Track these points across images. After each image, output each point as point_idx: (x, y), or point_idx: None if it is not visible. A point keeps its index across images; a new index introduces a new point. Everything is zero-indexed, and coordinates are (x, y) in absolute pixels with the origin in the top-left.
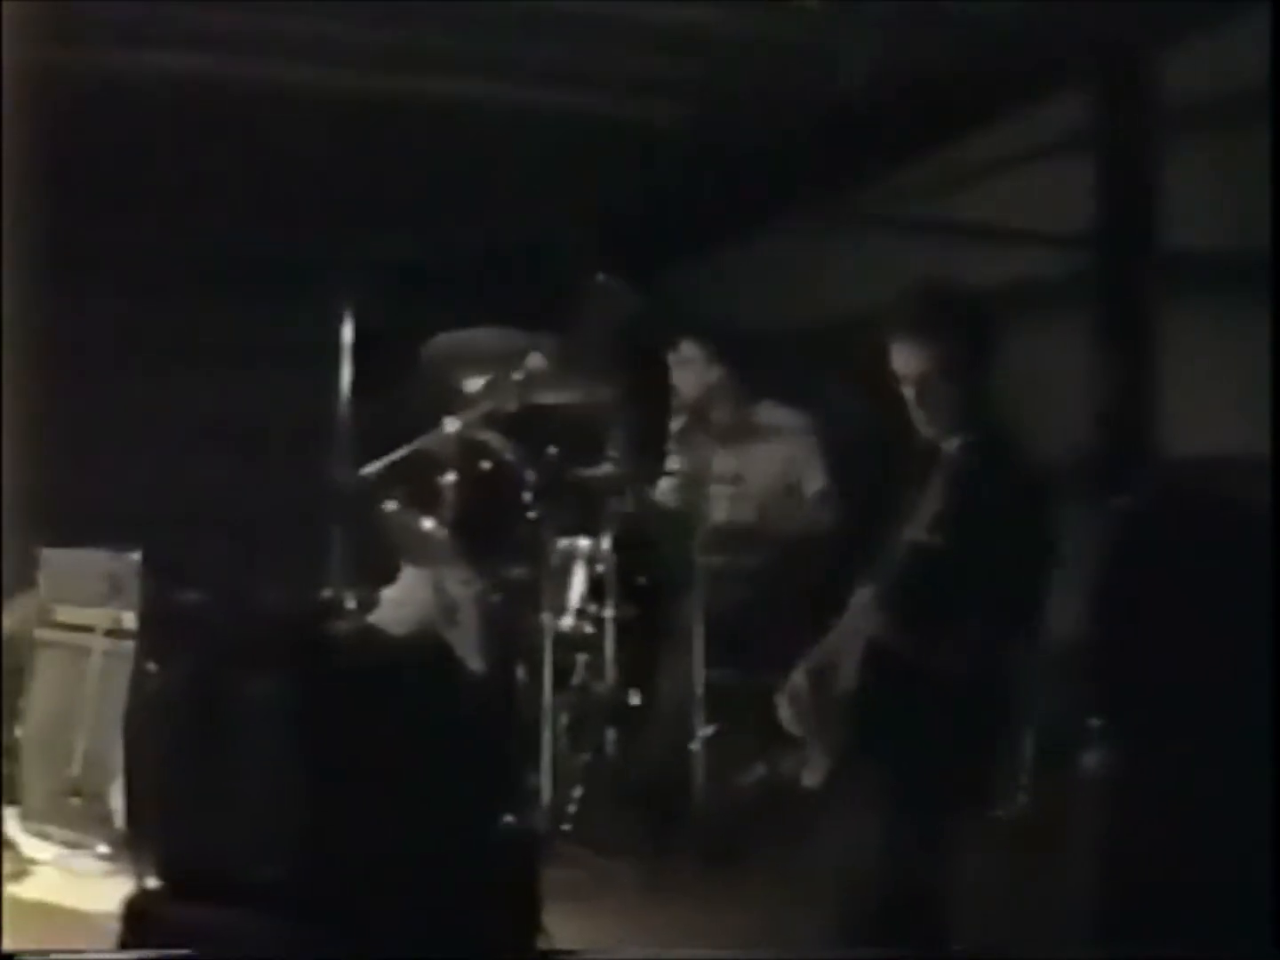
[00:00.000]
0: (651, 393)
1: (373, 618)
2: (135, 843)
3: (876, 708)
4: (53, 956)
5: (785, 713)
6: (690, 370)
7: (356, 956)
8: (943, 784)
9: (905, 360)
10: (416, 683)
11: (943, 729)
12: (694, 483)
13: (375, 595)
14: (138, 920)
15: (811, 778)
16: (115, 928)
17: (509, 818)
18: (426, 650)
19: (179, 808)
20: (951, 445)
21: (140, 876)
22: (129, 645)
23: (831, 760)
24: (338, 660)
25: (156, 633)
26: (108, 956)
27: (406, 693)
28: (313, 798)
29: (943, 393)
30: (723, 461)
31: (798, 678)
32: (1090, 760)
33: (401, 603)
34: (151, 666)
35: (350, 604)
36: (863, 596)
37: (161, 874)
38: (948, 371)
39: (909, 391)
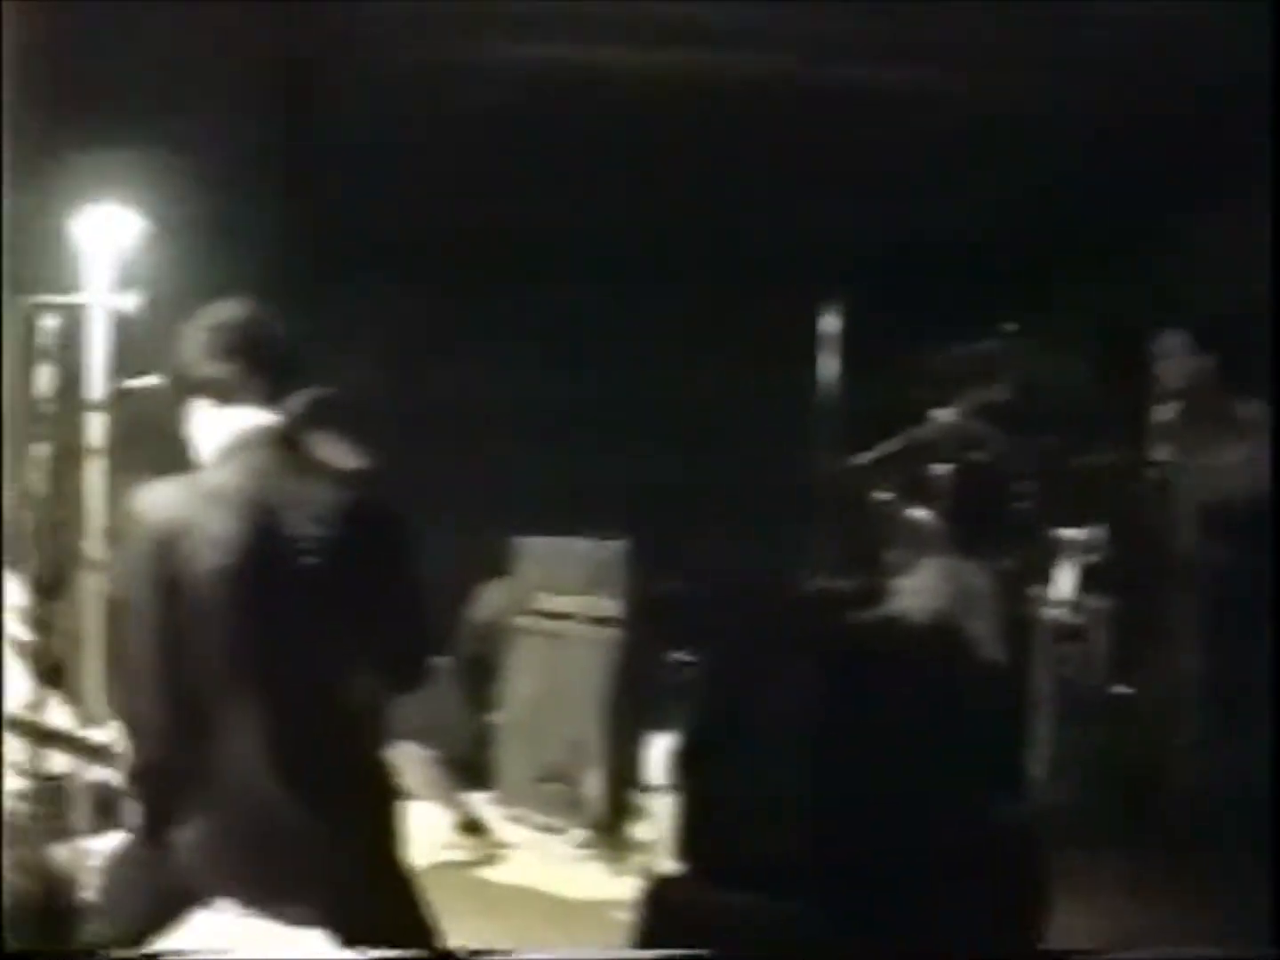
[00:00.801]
0: (1138, 381)
1: (889, 606)
2: (621, 828)
3: None
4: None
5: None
6: (1174, 360)
7: (861, 942)
8: None
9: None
10: (935, 671)
11: None
12: (1181, 472)
13: (882, 583)
14: (655, 905)
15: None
16: (612, 913)
17: (1008, 807)
18: (947, 639)
19: (702, 797)
20: None
21: (627, 862)
22: (610, 633)
23: None
24: (858, 647)
25: (652, 620)
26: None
27: (929, 681)
28: (827, 783)
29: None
30: (1210, 452)
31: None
32: None
33: (917, 592)
34: (649, 654)
35: (857, 592)
36: None
37: (681, 860)
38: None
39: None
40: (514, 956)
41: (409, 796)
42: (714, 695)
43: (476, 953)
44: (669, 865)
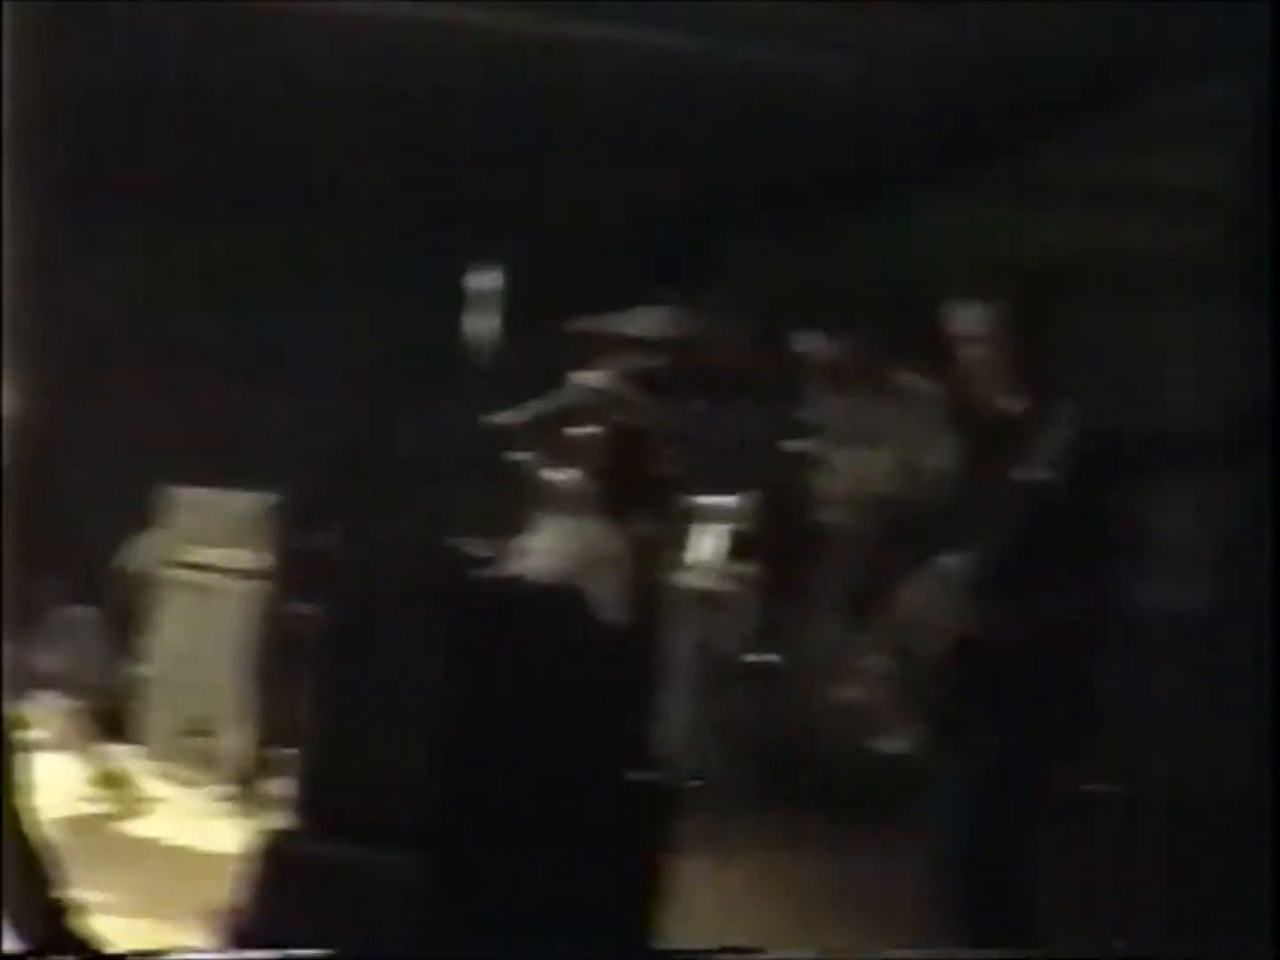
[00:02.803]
0: (790, 353)
1: (515, 566)
2: (261, 783)
3: (964, 657)
4: None
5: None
6: (817, 345)
7: (484, 900)
8: (1037, 754)
9: (972, 325)
10: (556, 633)
11: (1036, 694)
12: (829, 445)
13: (514, 544)
14: (270, 858)
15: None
16: (235, 866)
17: (641, 770)
18: (568, 600)
19: (314, 748)
20: (1040, 406)
21: (264, 817)
22: (259, 586)
23: (916, 700)
24: (480, 606)
25: (292, 575)
26: None
27: (545, 642)
28: (449, 742)
29: (1006, 356)
30: (857, 425)
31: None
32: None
33: (544, 552)
34: (288, 609)
35: (488, 551)
36: (952, 561)
37: (295, 814)
38: (1009, 335)
39: (970, 355)
40: None
41: (46, 748)
42: (337, 651)
43: None
44: (287, 819)
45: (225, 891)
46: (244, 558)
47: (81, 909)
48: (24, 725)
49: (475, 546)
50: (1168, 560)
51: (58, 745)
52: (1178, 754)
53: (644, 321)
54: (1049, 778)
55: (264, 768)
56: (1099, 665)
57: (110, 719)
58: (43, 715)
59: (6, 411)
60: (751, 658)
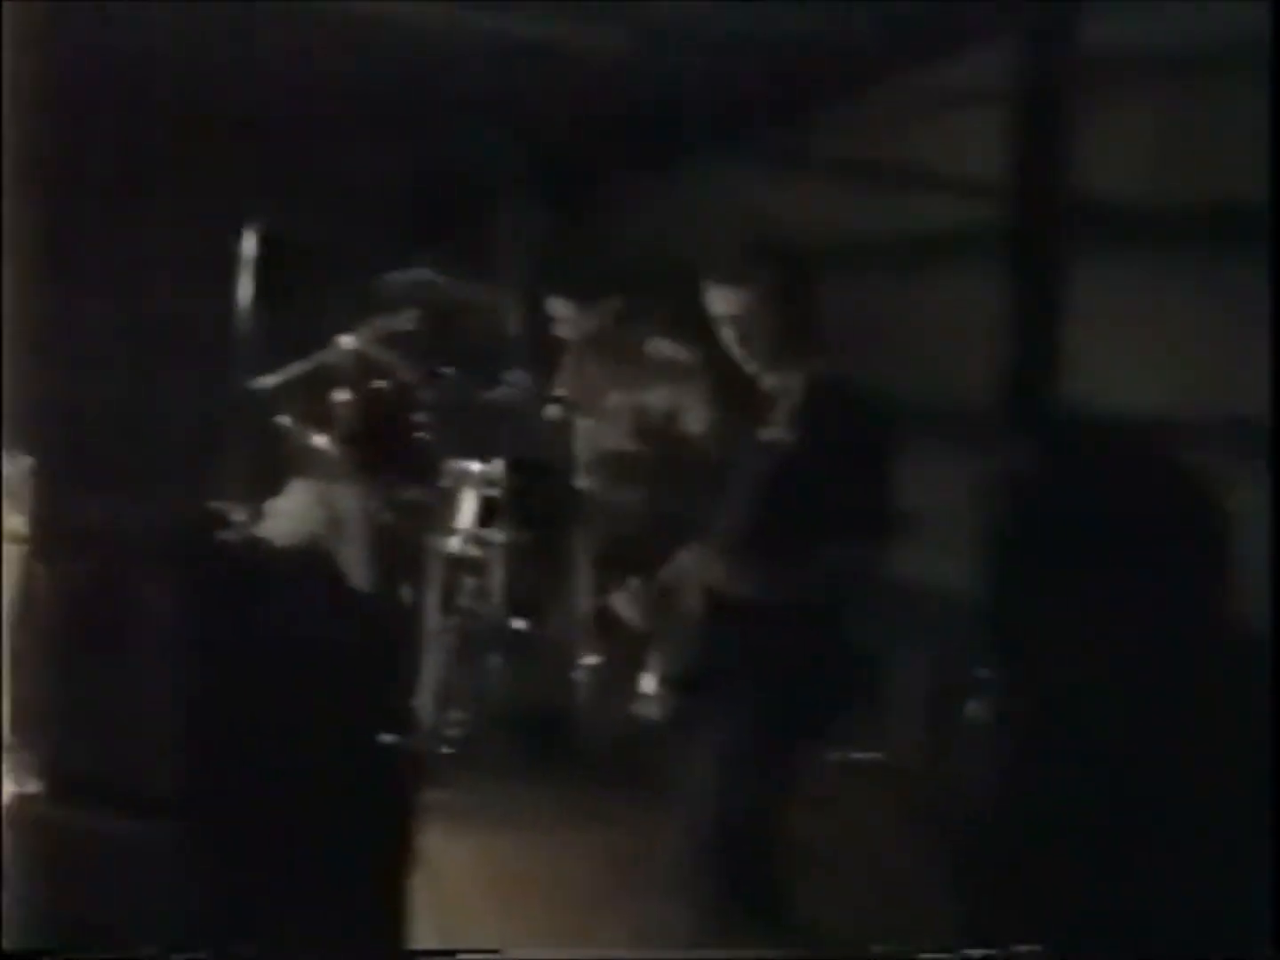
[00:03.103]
0: (547, 320)
1: (260, 529)
2: (14, 747)
3: (719, 623)
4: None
5: (626, 610)
6: (573, 313)
7: (235, 866)
8: (796, 715)
9: (720, 304)
10: (300, 596)
11: (796, 657)
12: (584, 411)
13: (265, 507)
14: (17, 822)
15: (650, 683)
16: None
17: (390, 736)
18: (311, 564)
19: (64, 713)
20: (795, 381)
21: (19, 781)
22: (14, 550)
23: (671, 665)
24: (223, 570)
25: (46, 538)
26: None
27: (290, 606)
28: (198, 708)
29: (761, 332)
30: (613, 392)
31: (636, 583)
32: (974, 711)
33: (289, 515)
34: (39, 571)
35: (240, 515)
36: (719, 517)
37: (44, 778)
38: (764, 313)
39: (727, 332)
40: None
41: None
42: (87, 615)
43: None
44: (33, 784)
45: None
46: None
47: None
48: None
49: (231, 510)
50: (929, 532)
51: None
52: (938, 725)
53: (403, 286)
54: (807, 745)
55: (14, 733)
56: (858, 634)
57: None
58: None
59: None
60: (506, 623)
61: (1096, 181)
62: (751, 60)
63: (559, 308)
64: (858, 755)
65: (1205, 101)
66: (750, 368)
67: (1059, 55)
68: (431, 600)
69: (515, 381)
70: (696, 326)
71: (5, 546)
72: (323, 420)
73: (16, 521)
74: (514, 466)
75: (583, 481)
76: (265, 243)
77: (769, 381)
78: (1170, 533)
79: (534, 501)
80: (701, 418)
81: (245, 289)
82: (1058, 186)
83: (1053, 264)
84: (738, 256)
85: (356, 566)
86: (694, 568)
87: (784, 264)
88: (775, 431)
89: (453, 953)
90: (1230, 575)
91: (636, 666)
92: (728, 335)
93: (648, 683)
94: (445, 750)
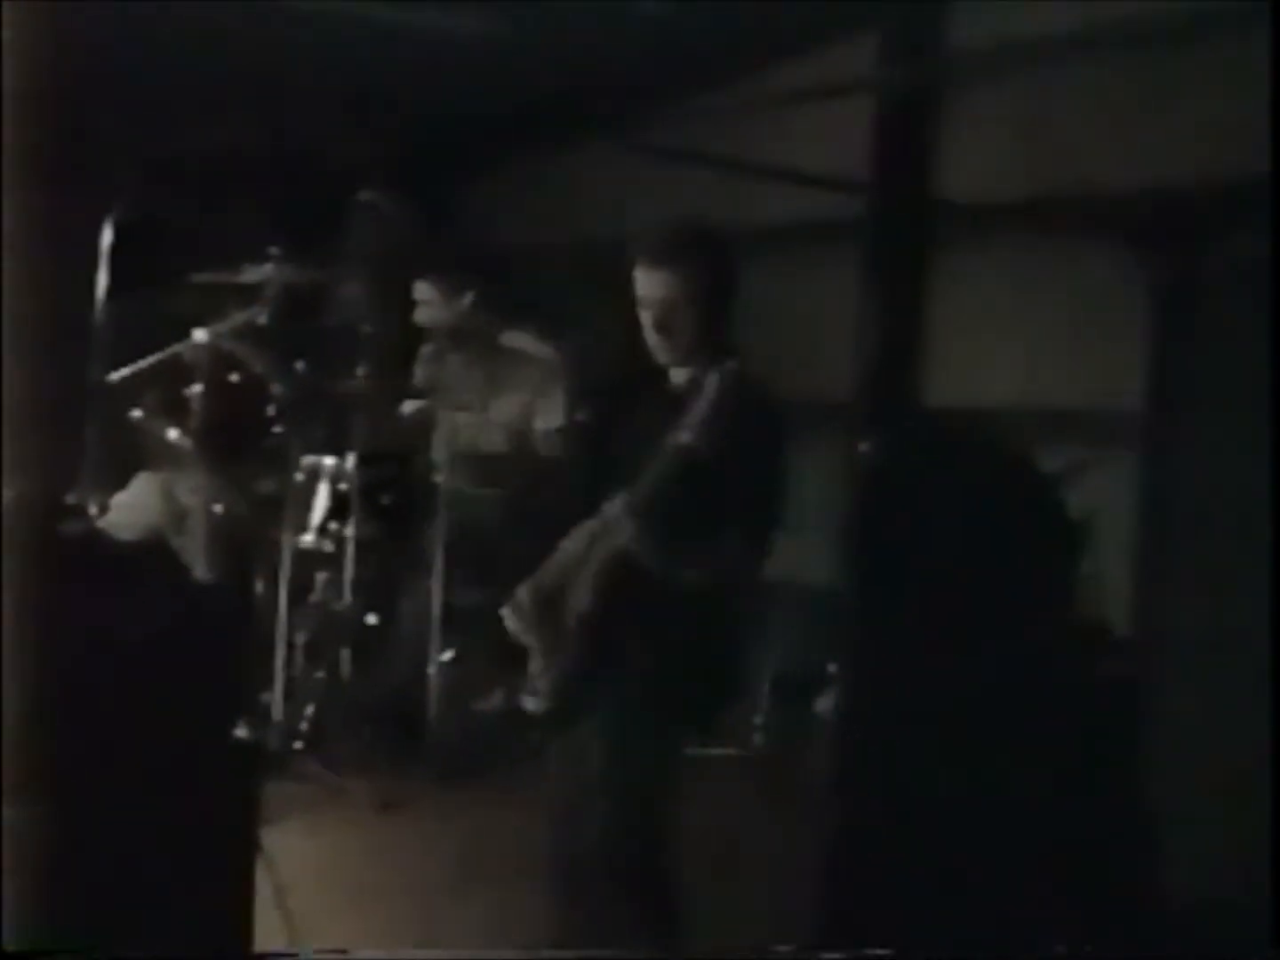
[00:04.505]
0: (403, 313)
1: (102, 521)
2: None
3: (610, 624)
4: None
5: (512, 624)
6: (431, 306)
7: (79, 862)
8: (675, 709)
9: (647, 287)
10: (141, 589)
11: (679, 650)
12: (440, 406)
13: (112, 500)
14: None
15: (537, 691)
16: None
17: (239, 732)
18: (150, 557)
19: None
20: (705, 371)
21: None
22: None
23: (558, 674)
24: (62, 562)
25: None
26: None
27: (130, 599)
28: (39, 701)
29: (684, 320)
30: (469, 386)
31: (523, 592)
32: (824, 705)
33: (130, 507)
34: None
35: (91, 508)
36: (611, 510)
37: None
38: (690, 300)
39: (649, 317)
40: None
41: None
42: None
43: None
44: None
45: None
46: None
47: None
48: None
49: (81, 502)
50: (812, 529)
51: None
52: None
53: (258, 276)
54: (680, 742)
55: None
56: (739, 631)
57: None
58: None
59: None
60: (358, 618)
61: (957, 176)
62: (611, 52)
63: (423, 290)
64: (715, 750)
65: (1068, 95)
66: (663, 358)
67: (922, 51)
68: (283, 595)
69: (371, 374)
70: (558, 317)
71: None
72: (175, 413)
73: None
74: (366, 460)
75: (438, 476)
76: (120, 232)
77: (679, 376)
78: (1025, 526)
79: (387, 496)
80: (557, 414)
81: (99, 277)
82: (919, 181)
83: (914, 257)
84: (670, 239)
85: (199, 560)
86: (578, 568)
87: (715, 250)
88: (686, 429)
89: (297, 954)
90: (1085, 569)
91: (492, 663)
92: (646, 320)
93: (507, 677)
94: (296, 745)
